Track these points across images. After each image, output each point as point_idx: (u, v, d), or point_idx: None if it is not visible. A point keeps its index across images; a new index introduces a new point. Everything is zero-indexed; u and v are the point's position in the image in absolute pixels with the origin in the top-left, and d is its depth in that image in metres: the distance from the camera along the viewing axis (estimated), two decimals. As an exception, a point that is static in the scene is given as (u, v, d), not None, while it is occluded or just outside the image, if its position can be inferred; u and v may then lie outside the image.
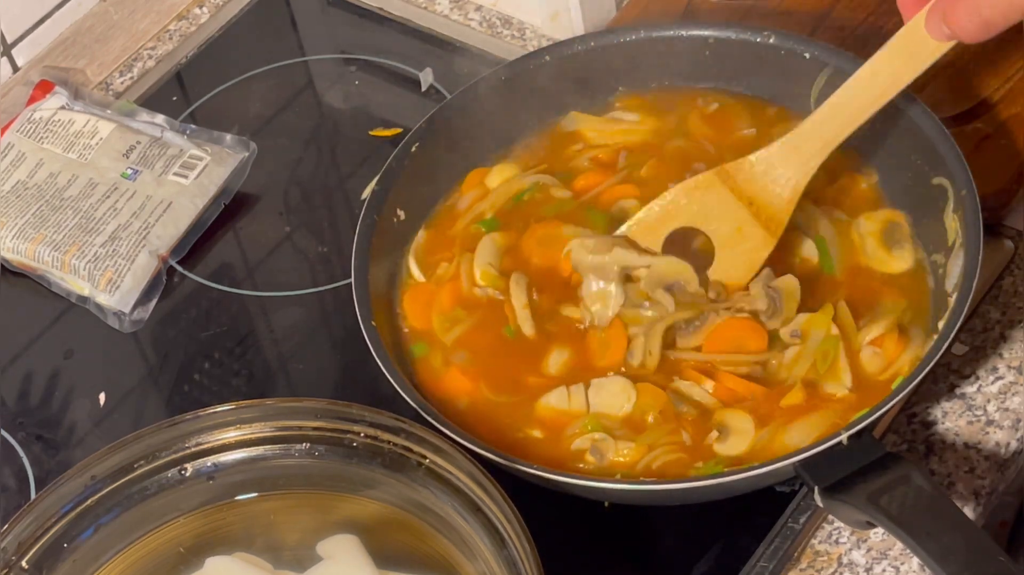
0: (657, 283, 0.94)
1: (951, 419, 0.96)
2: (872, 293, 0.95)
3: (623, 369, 0.93)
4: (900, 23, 1.12)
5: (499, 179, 1.05)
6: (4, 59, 1.23)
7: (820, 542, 0.92)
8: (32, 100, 1.19)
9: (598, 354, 0.94)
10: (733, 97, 1.06)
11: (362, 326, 0.93)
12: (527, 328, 0.96)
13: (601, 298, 0.94)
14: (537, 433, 0.92)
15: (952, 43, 0.88)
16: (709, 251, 0.96)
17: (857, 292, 0.95)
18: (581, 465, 0.90)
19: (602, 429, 0.90)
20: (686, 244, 0.97)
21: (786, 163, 0.95)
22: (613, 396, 0.92)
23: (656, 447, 0.89)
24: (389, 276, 1.00)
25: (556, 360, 0.94)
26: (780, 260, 0.96)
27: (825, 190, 1.00)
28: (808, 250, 0.97)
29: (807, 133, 0.94)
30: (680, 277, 0.95)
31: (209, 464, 0.89)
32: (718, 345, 0.93)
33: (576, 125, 1.07)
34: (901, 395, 0.85)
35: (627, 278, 0.95)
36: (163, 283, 1.10)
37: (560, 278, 0.98)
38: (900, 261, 0.96)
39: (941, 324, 0.89)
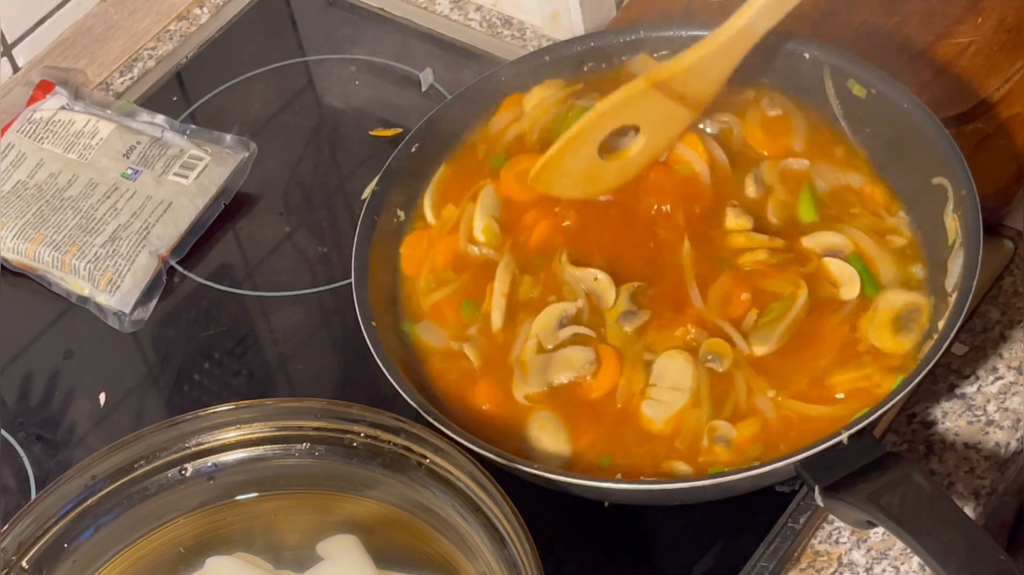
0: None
1: (951, 419, 0.96)
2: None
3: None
4: (900, 23, 1.13)
5: (537, 99, 1.05)
6: (4, 59, 1.23)
7: (820, 542, 0.92)
8: (32, 100, 1.19)
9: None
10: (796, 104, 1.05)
11: (362, 326, 0.93)
12: (496, 319, 0.96)
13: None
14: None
15: None
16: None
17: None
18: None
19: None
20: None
21: (714, 61, 0.98)
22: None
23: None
24: (389, 276, 1.00)
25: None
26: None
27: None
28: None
29: (732, 29, 0.97)
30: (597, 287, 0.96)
31: (209, 464, 0.89)
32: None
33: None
34: (901, 395, 0.85)
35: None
36: (163, 283, 1.10)
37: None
38: (899, 345, 0.92)
39: (941, 324, 0.89)
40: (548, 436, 0.91)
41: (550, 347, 0.94)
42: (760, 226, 0.97)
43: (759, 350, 0.92)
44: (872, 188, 0.99)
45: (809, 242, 0.96)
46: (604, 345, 0.94)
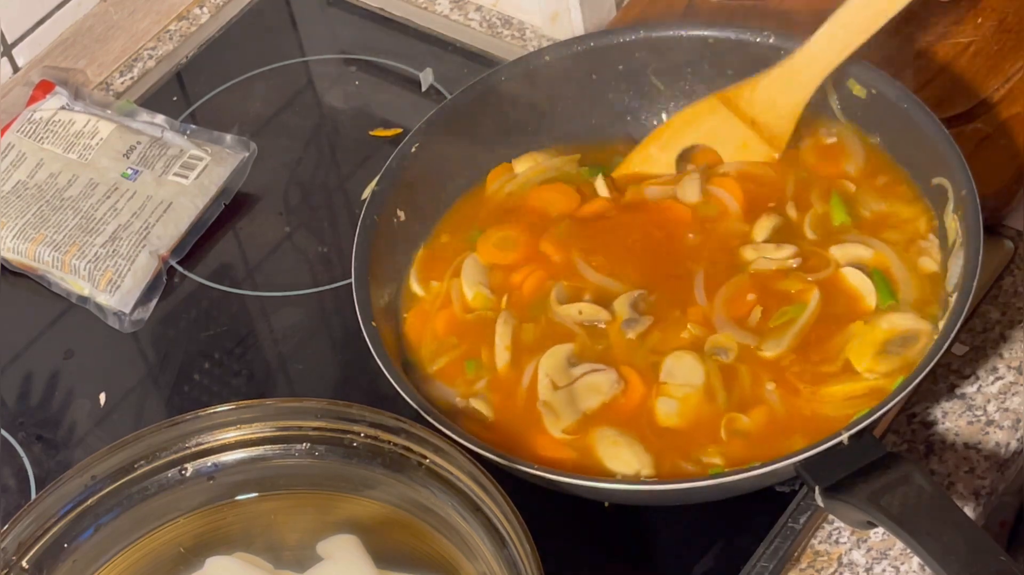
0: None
1: (951, 419, 0.96)
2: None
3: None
4: (900, 23, 1.13)
5: (531, 162, 1.06)
6: (4, 59, 1.23)
7: (820, 542, 0.92)
8: (32, 100, 1.19)
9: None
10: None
11: (362, 326, 0.93)
12: (501, 361, 0.96)
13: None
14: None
15: None
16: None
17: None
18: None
19: None
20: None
21: (785, 91, 0.99)
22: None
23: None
24: (389, 276, 1.00)
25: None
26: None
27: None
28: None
29: (803, 62, 0.98)
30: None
31: (209, 464, 0.89)
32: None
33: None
34: (901, 395, 0.85)
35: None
36: (163, 283, 1.10)
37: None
38: (874, 365, 0.92)
39: (941, 324, 0.90)
40: (623, 456, 0.90)
41: (563, 384, 0.94)
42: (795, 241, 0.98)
43: (769, 352, 0.92)
44: (915, 214, 0.99)
45: (836, 251, 0.96)
46: (623, 366, 0.94)
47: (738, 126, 1.01)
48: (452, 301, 1.00)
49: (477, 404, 0.94)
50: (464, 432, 0.88)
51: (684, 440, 0.90)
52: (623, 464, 0.89)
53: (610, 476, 0.89)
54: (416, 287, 1.01)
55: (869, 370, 0.91)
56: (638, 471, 0.89)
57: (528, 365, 0.95)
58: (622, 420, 0.92)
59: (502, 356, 0.96)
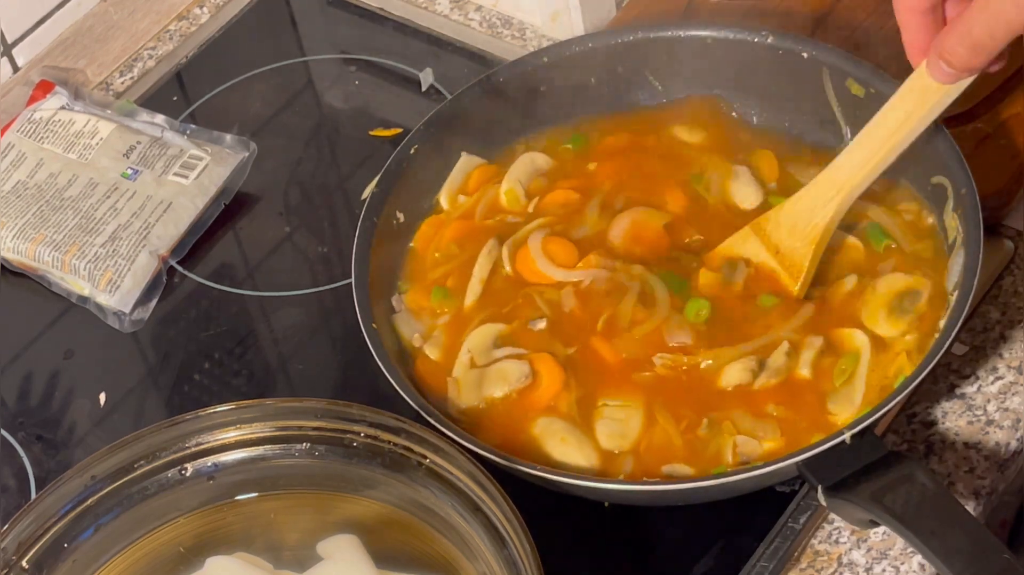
0: None
1: (951, 419, 0.96)
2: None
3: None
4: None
5: None
6: (4, 59, 1.23)
7: (820, 542, 0.92)
8: (32, 100, 1.19)
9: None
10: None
11: (362, 327, 0.93)
12: (470, 297, 0.96)
13: None
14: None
15: (960, 83, 0.87)
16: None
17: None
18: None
19: None
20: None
21: (806, 213, 0.95)
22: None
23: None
24: (389, 276, 1.00)
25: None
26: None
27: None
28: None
29: (823, 184, 0.94)
30: None
31: (209, 464, 0.89)
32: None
33: None
34: (902, 395, 0.85)
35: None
36: (163, 283, 1.10)
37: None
38: (894, 326, 0.92)
39: (941, 324, 0.90)
40: (570, 447, 0.90)
41: (481, 364, 0.94)
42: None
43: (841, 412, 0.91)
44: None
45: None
46: (541, 355, 0.94)
47: (764, 255, 0.96)
48: (476, 213, 1.02)
49: (429, 349, 0.95)
50: (464, 432, 0.88)
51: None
52: (567, 456, 0.90)
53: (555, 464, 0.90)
54: (443, 201, 1.03)
55: (890, 332, 0.91)
56: (583, 463, 0.90)
57: (486, 322, 0.96)
58: (525, 415, 0.92)
59: (473, 290, 0.96)
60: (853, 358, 0.91)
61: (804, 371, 0.91)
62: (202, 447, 0.89)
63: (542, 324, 0.96)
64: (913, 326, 0.91)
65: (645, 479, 0.88)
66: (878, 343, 0.91)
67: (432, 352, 0.95)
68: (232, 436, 0.89)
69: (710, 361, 0.91)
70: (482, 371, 0.94)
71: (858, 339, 0.92)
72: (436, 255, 1.01)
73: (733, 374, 0.91)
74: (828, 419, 0.89)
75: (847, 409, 0.89)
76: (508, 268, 0.99)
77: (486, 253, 0.99)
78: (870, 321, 0.93)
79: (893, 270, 0.95)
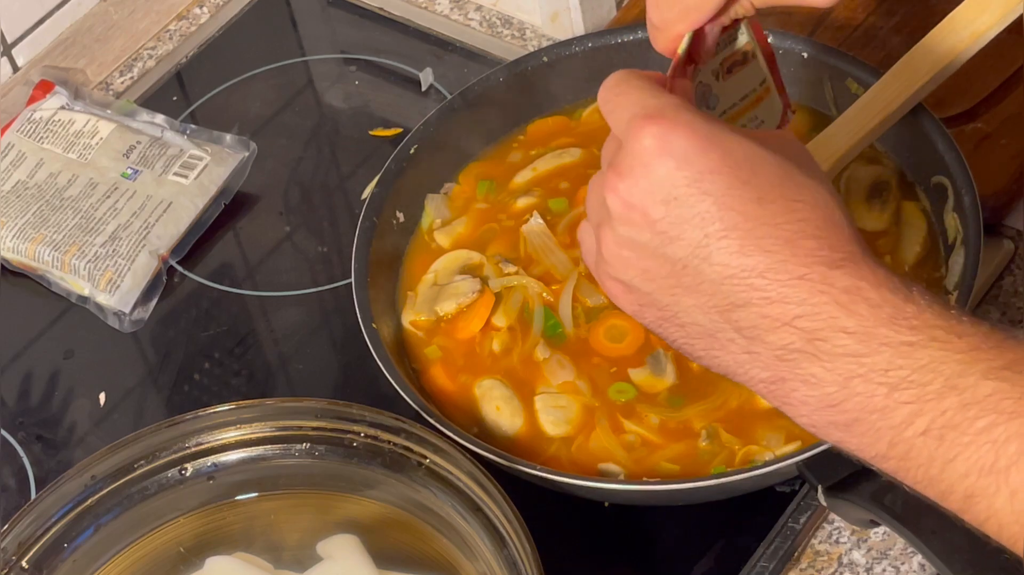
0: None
1: (951, 419, 0.96)
2: None
3: None
4: (899, 24, 1.13)
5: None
6: (4, 59, 1.23)
7: (820, 542, 0.92)
8: (32, 100, 1.19)
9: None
10: None
11: (362, 327, 0.94)
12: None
13: None
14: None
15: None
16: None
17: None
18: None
19: None
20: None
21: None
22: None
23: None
24: (390, 276, 1.01)
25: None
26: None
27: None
28: None
29: (822, 140, 0.95)
30: None
31: (209, 464, 0.89)
32: None
33: None
34: (901, 395, 0.85)
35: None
36: (163, 283, 1.10)
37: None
38: (878, 220, 0.95)
39: (941, 324, 0.89)
40: (503, 417, 0.92)
41: (442, 283, 0.99)
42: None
43: None
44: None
45: None
46: (489, 289, 0.98)
47: None
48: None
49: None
50: (464, 432, 0.88)
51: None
52: (496, 424, 0.92)
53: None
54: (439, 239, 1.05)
55: (876, 225, 0.95)
56: (516, 425, 0.92)
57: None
58: (464, 343, 0.96)
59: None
60: None
61: None
62: (202, 447, 0.89)
63: (511, 268, 0.99)
64: None
65: (645, 479, 0.88)
66: None
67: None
68: (232, 436, 0.89)
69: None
70: (441, 288, 0.98)
71: None
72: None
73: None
74: None
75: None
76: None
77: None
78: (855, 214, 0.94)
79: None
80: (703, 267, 0.65)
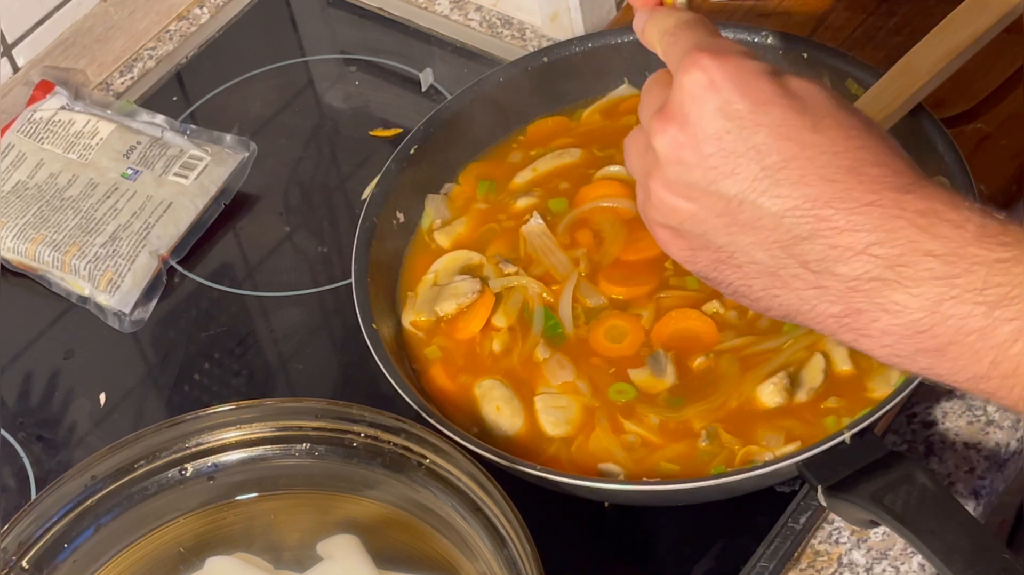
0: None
1: (951, 419, 0.96)
2: None
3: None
4: (899, 24, 1.13)
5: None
6: (4, 59, 1.23)
7: (820, 542, 0.92)
8: (32, 100, 1.19)
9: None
10: None
11: (362, 327, 0.94)
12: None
13: None
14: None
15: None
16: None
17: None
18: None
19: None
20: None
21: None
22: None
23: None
24: (390, 276, 1.01)
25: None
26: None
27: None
28: None
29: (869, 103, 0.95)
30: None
31: (209, 464, 0.89)
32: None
33: None
34: (902, 395, 0.85)
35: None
36: (163, 283, 1.10)
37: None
38: None
39: (941, 324, 0.89)
40: (503, 417, 0.92)
41: (442, 283, 0.99)
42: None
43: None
44: None
45: None
46: (489, 289, 0.98)
47: None
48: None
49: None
50: (464, 432, 0.88)
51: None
52: (496, 424, 0.92)
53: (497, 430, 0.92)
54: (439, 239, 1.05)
55: None
56: (516, 426, 0.92)
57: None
58: (464, 344, 0.96)
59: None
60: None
61: (844, 366, 0.91)
62: (202, 447, 0.89)
63: (511, 268, 0.99)
64: None
65: (645, 479, 0.88)
66: None
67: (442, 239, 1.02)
68: (232, 436, 0.89)
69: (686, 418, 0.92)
70: (441, 288, 0.98)
71: None
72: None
73: (767, 397, 0.90)
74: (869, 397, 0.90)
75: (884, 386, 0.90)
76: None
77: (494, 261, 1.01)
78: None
79: None
80: (762, 201, 0.63)
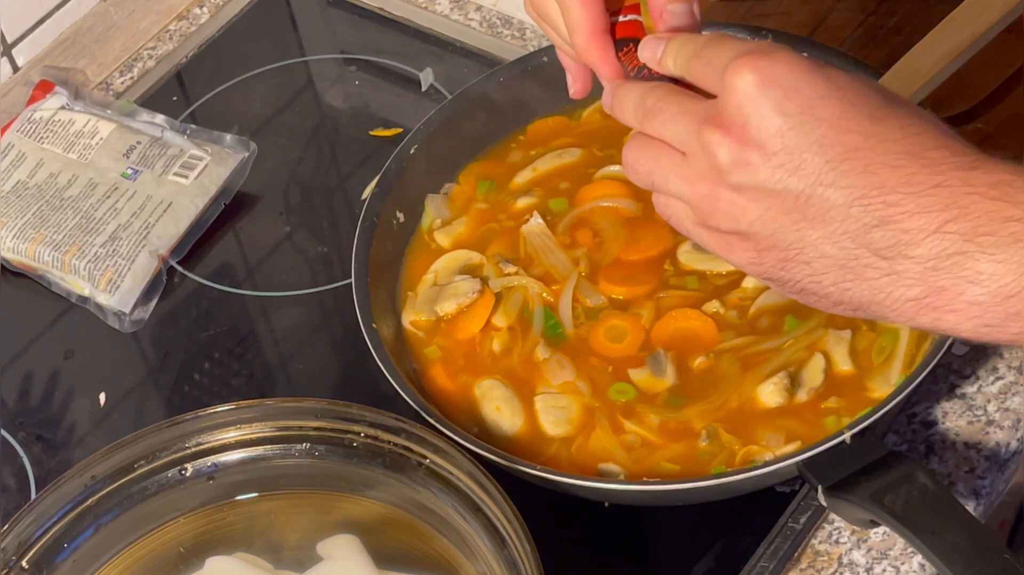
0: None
1: (951, 419, 0.96)
2: None
3: None
4: (899, 24, 1.13)
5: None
6: (4, 59, 1.23)
7: (820, 542, 0.92)
8: (32, 100, 1.19)
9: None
10: None
11: (362, 327, 0.94)
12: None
13: None
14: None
15: None
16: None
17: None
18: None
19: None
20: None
21: None
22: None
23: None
24: (390, 276, 1.01)
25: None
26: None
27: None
28: None
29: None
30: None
31: (209, 464, 0.89)
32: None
33: None
34: (902, 395, 0.85)
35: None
36: (163, 283, 1.10)
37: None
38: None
39: (941, 324, 0.89)
40: (503, 417, 0.93)
41: (442, 283, 0.99)
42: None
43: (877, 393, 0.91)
44: None
45: None
46: (489, 289, 0.98)
47: None
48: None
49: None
50: (464, 432, 0.88)
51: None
52: (496, 424, 0.92)
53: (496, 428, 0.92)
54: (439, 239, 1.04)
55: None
56: (517, 425, 0.92)
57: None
58: (464, 344, 0.96)
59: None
60: (892, 336, 0.91)
61: (845, 366, 0.91)
62: (202, 447, 0.89)
63: (511, 268, 0.99)
64: None
65: (645, 479, 0.88)
66: None
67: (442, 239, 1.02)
68: (232, 436, 0.89)
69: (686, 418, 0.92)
70: (441, 288, 0.98)
71: None
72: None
73: (767, 397, 0.90)
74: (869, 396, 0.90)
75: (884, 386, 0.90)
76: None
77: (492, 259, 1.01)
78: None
79: None
80: (828, 194, 0.63)
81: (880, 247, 0.63)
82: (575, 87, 0.85)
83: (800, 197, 0.64)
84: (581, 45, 0.77)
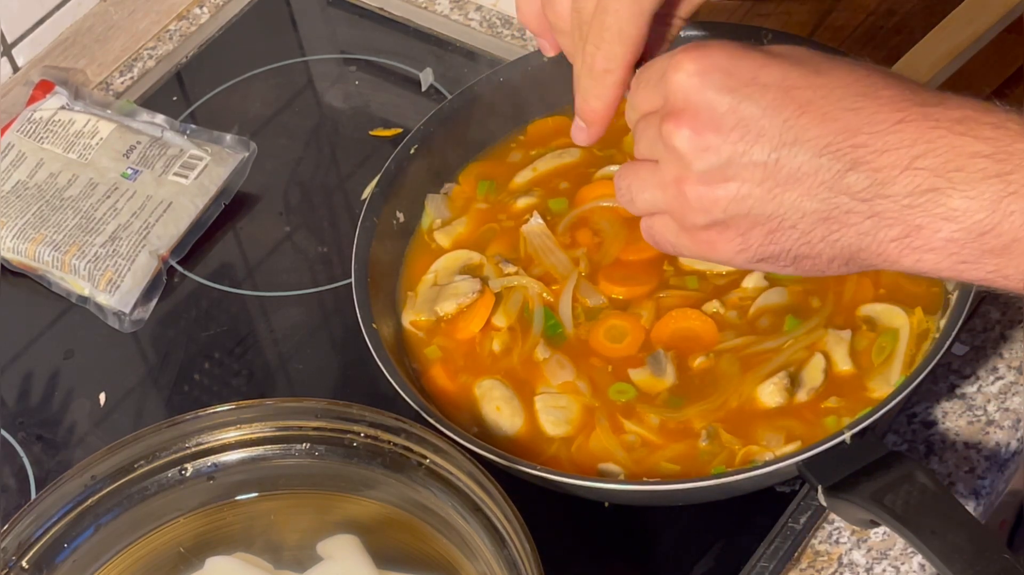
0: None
1: (951, 419, 0.96)
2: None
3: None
4: (899, 24, 1.13)
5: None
6: (4, 59, 1.23)
7: (820, 542, 0.92)
8: (32, 100, 1.19)
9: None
10: None
11: (363, 328, 0.94)
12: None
13: None
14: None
15: None
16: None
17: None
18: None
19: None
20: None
21: None
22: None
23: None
24: (390, 276, 1.01)
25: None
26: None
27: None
28: None
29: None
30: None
31: (209, 464, 0.89)
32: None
33: None
34: (902, 395, 0.85)
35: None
36: (163, 283, 1.10)
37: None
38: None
39: (942, 324, 0.90)
40: (503, 417, 0.93)
41: (442, 283, 0.99)
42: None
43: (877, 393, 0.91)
44: None
45: None
46: (489, 289, 0.98)
47: None
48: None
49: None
50: (464, 432, 0.88)
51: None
52: (496, 424, 0.92)
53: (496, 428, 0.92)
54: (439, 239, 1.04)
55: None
56: (517, 425, 0.92)
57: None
58: (464, 344, 0.96)
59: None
60: (892, 335, 0.91)
61: (845, 366, 0.91)
62: (202, 447, 0.89)
63: (511, 268, 0.99)
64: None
65: (645, 479, 0.88)
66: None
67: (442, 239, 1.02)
68: (232, 436, 0.89)
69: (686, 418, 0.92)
70: (441, 288, 0.98)
71: (897, 319, 0.92)
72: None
73: (767, 397, 0.90)
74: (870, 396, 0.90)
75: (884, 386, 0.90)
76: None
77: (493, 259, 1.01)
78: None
79: None
80: (794, 152, 0.64)
81: (857, 190, 0.63)
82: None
83: (768, 164, 0.65)
84: (606, 79, 0.77)
